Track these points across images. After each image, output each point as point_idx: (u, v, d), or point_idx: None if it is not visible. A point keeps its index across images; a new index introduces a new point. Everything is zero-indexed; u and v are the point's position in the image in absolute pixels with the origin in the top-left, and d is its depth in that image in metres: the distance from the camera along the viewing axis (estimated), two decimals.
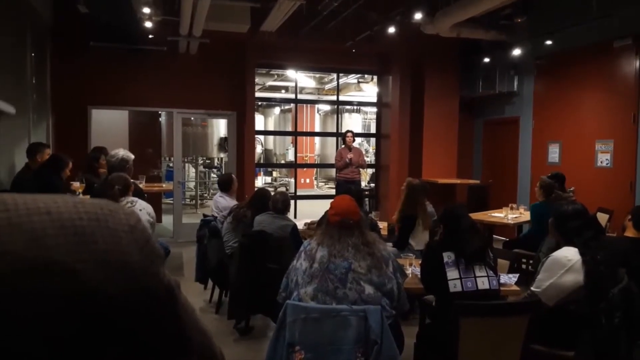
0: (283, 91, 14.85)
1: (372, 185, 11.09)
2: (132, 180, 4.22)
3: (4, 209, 0.52)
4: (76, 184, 5.00)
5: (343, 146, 8.09)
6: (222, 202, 5.36)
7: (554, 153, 7.59)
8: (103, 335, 0.53)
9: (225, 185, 5.55)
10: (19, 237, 0.50)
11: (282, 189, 13.28)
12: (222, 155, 10.75)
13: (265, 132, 15.48)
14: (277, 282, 2.73)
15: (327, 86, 14.13)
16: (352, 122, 14.41)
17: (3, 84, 5.13)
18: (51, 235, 0.52)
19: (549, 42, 7.12)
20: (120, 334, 0.55)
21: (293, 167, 11.14)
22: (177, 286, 0.61)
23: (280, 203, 4.43)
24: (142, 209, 3.84)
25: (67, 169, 4.90)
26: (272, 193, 4.92)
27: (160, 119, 10.07)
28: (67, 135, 7.39)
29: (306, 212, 8.10)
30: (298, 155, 10.27)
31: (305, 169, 16.10)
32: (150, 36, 7.16)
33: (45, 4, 6.73)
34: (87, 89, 7.55)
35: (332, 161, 8.30)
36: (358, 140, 10.30)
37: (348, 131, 8.09)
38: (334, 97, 10.80)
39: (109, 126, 8.37)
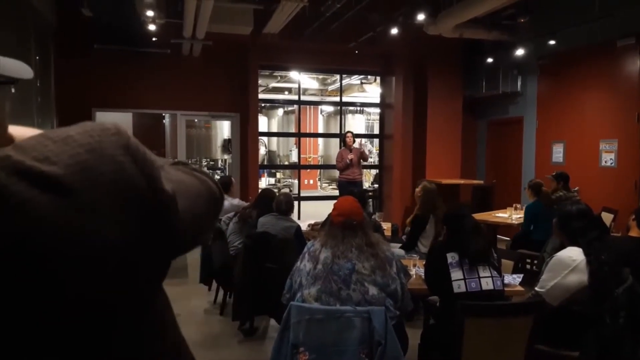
0: (286, 92, 14.86)
1: (376, 186, 11.08)
2: None
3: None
4: None
5: (343, 147, 8.09)
6: (225, 205, 5.36)
7: (558, 153, 7.57)
8: (126, 269, 0.55)
9: (225, 187, 5.57)
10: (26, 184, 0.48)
11: (286, 190, 13.28)
12: (225, 156, 10.77)
13: (269, 134, 15.51)
14: (281, 284, 2.73)
15: (330, 87, 14.14)
16: (355, 123, 14.43)
17: None
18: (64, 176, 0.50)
19: (552, 42, 7.10)
20: (132, 264, 0.55)
21: (296, 168, 11.16)
22: (173, 194, 0.61)
23: (284, 204, 4.44)
24: None
25: None
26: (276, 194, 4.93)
27: (164, 121, 10.10)
28: None
29: (310, 213, 8.10)
30: (301, 156, 10.30)
31: (308, 170, 16.11)
32: (153, 39, 7.19)
33: (48, 7, 6.75)
34: (91, 91, 7.58)
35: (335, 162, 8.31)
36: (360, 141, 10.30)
37: (348, 132, 8.09)
38: (337, 98, 10.82)
39: None
